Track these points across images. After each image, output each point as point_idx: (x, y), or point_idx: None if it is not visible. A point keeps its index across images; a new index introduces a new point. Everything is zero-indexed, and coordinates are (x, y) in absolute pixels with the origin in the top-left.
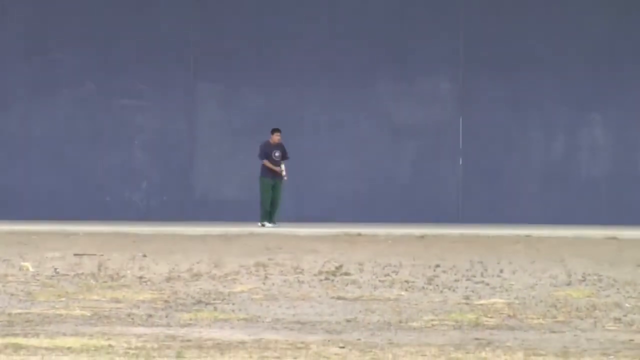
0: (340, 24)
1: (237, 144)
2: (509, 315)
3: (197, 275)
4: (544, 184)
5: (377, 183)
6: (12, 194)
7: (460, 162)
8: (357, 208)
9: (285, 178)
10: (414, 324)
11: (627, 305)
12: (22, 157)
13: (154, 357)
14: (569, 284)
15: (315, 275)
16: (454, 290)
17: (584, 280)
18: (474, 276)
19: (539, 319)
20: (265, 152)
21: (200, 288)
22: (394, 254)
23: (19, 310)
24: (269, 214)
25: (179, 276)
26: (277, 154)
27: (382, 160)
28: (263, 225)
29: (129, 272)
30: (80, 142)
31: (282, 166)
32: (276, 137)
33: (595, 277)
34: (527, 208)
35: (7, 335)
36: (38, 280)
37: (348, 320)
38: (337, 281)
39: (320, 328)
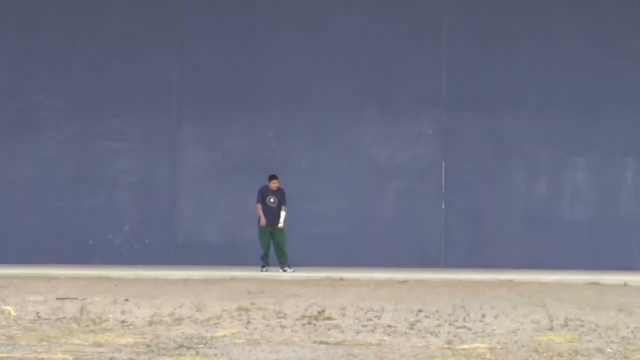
0: (323, 66)
1: (220, 186)
2: None
3: (179, 319)
4: (527, 228)
5: (360, 226)
6: None
7: (443, 206)
8: (339, 252)
9: (280, 225)
10: None
11: (609, 350)
12: (4, 199)
13: None
14: (551, 329)
15: (297, 319)
16: (436, 335)
17: (566, 325)
18: (457, 321)
19: None
20: (261, 196)
21: (183, 332)
22: (377, 298)
23: (1, 355)
24: (266, 258)
25: (161, 320)
26: (272, 199)
27: (365, 203)
28: (261, 270)
29: (111, 316)
30: (63, 185)
31: (282, 214)
32: (273, 185)
33: (578, 322)
34: (509, 251)
35: None
36: (20, 324)
37: None
38: (320, 326)
39: None
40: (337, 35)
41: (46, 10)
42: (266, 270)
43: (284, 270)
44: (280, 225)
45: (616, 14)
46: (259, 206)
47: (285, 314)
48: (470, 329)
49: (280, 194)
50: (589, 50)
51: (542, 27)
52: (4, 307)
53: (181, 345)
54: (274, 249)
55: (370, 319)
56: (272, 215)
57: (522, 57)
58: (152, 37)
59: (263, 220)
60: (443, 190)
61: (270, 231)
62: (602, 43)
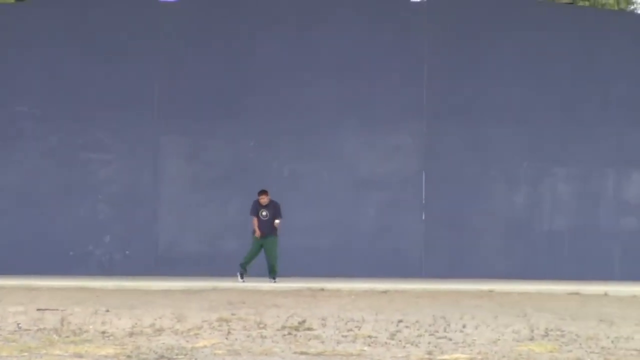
0: (304, 77)
1: (201, 197)
2: None
3: (159, 330)
4: (507, 238)
5: (341, 236)
6: None
7: (423, 216)
8: (320, 262)
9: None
10: None
11: None
12: None
13: None
14: (531, 339)
15: (278, 330)
16: (416, 346)
17: (546, 335)
18: (437, 331)
19: None
20: (254, 210)
21: (163, 343)
22: (357, 308)
23: None
24: (244, 268)
25: (141, 331)
26: (264, 213)
27: (346, 213)
28: (238, 281)
29: (91, 327)
30: (44, 196)
31: (275, 221)
32: (263, 200)
33: (558, 332)
34: (490, 262)
35: None
36: (0, 334)
37: None
38: (300, 336)
39: None
40: (318, 46)
41: (28, 20)
42: (243, 281)
43: (272, 281)
44: (277, 222)
45: (597, 25)
46: (254, 219)
47: (266, 325)
48: (450, 339)
49: (272, 207)
50: (570, 60)
51: (523, 38)
52: None
53: (162, 356)
54: (266, 260)
55: (351, 330)
56: (264, 228)
57: (503, 68)
58: (134, 48)
59: (257, 232)
60: (424, 201)
61: (262, 243)
62: (582, 54)
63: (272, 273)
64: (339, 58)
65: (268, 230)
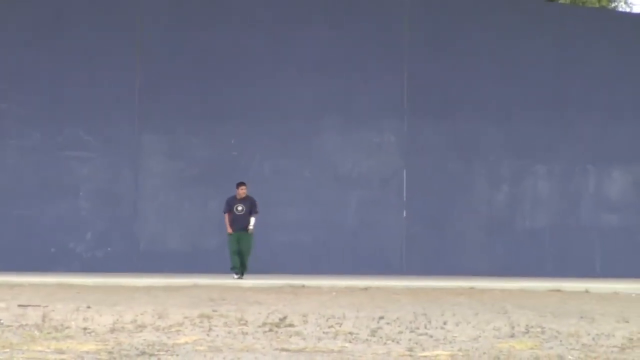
0: (285, 75)
1: (182, 195)
2: None
3: (141, 327)
4: (488, 235)
5: (322, 234)
6: None
7: (404, 215)
8: (301, 259)
9: (250, 227)
10: None
11: (570, 357)
12: None
13: None
14: (512, 336)
15: (259, 326)
16: (397, 342)
17: (527, 332)
18: (418, 328)
19: None
20: (228, 206)
21: (144, 339)
22: (338, 305)
23: None
24: (236, 268)
25: (123, 327)
26: (239, 207)
27: (327, 211)
28: (234, 278)
29: (73, 323)
30: (25, 193)
31: (251, 220)
32: (241, 191)
33: (539, 329)
34: (471, 259)
35: None
36: None
37: None
38: (281, 333)
39: None
40: (299, 44)
41: (8, 19)
42: (239, 278)
43: (239, 277)
44: (250, 227)
45: (578, 22)
46: (226, 216)
47: (247, 321)
48: (431, 336)
49: (249, 202)
50: (551, 58)
51: (503, 35)
52: None
53: (143, 352)
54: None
55: (332, 326)
56: (239, 222)
57: (484, 65)
58: (114, 47)
59: (229, 229)
60: (405, 198)
61: (238, 238)
62: (563, 51)
63: (242, 269)
64: (319, 55)
65: (243, 225)
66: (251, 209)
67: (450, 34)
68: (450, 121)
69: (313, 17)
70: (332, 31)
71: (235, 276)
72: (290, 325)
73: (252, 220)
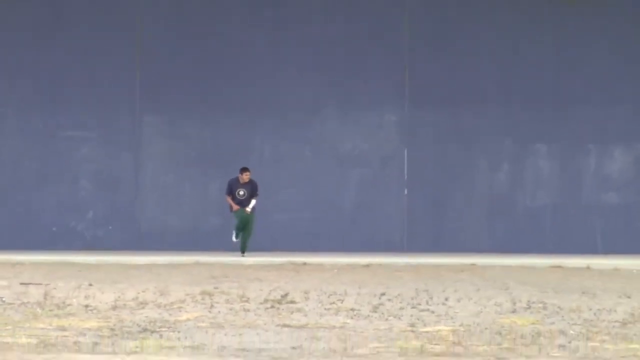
0: (286, 57)
1: (182, 174)
2: (454, 343)
3: (142, 304)
4: (489, 214)
5: (323, 213)
6: None
7: (406, 192)
8: (302, 238)
9: (247, 209)
10: (360, 352)
11: (571, 332)
12: None
13: None
14: (513, 312)
15: (261, 303)
16: (399, 318)
17: (528, 308)
18: (419, 304)
19: (484, 346)
20: (230, 189)
21: (146, 316)
22: (340, 282)
23: None
24: (239, 231)
25: (124, 304)
26: (241, 192)
27: (328, 191)
28: (234, 240)
29: (75, 300)
30: (27, 173)
31: (252, 202)
32: (245, 177)
33: (540, 305)
34: (472, 238)
35: None
36: None
37: (293, 348)
38: (283, 309)
39: (266, 356)
40: (300, 27)
41: (8, 3)
42: (241, 256)
43: (241, 255)
44: (248, 209)
45: (575, 4)
46: (228, 198)
47: (249, 298)
48: (433, 312)
49: (251, 186)
50: (551, 38)
51: (503, 18)
52: None
53: (145, 329)
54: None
55: (334, 303)
56: (241, 206)
57: (484, 46)
58: (114, 29)
59: (235, 207)
60: (406, 177)
61: (242, 215)
62: (563, 31)
63: (243, 247)
64: (320, 37)
65: (245, 207)
66: (252, 194)
67: (451, 18)
68: (451, 101)
69: (314, 1)
70: (333, 16)
71: (235, 239)
72: (292, 301)
73: (253, 202)
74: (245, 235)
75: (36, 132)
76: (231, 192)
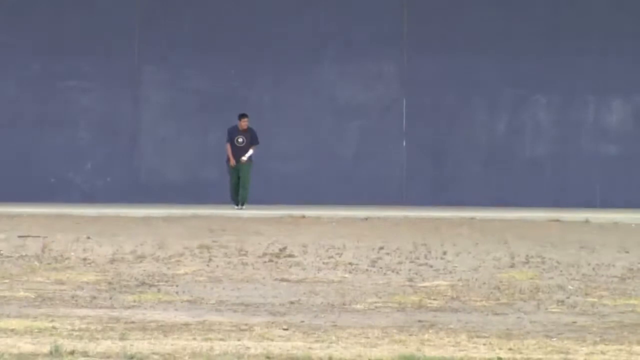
0: (284, 6)
1: (181, 125)
2: (453, 298)
3: (140, 257)
4: (488, 166)
5: (321, 164)
6: None
7: (404, 144)
8: (300, 189)
9: (244, 159)
10: (358, 306)
11: (570, 287)
12: None
13: (97, 338)
14: (512, 266)
15: (259, 257)
16: (397, 273)
17: (527, 263)
18: (418, 258)
19: (482, 301)
20: (229, 136)
21: (144, 270)
22: (338, 236)
23: None
24: (235, 197)
25: (122, 258)
26: (240, 139)
27: (326, 141)
28: (235, 208)
29: (72, 254)
30: (25, 124)
31: (249, 152)
32: (243, 123)
33: (539, 259)
34: (470, 189)
35: None
36: None
37: (292, 302)
38: (281, 263)
39: (264, 310)
40: None
41: None
42: (240, 209)
43: (239, 208)
44: (244, 158)
45: None
46: (228, 146)
47: (247, 252)
48: (431, 267)
49: (250, 133)
50: None
51: None
52: None
53: (143, 283)
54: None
55: (332, 257)
56: (239, 154)
57: None
58: None
59: (232, 161)
60: (404, 128)
61: (238, 168)
62: None
63: (242, 199)
64: None
65: (242, 156)
66: (251, 141)
67: None
68: (450, 51)
69: None
70: None
71: (236, 207)
72: (290, 255)
73: (250, 151)
74: (243, 190)
75: (34, 82)
76: (231, 140)
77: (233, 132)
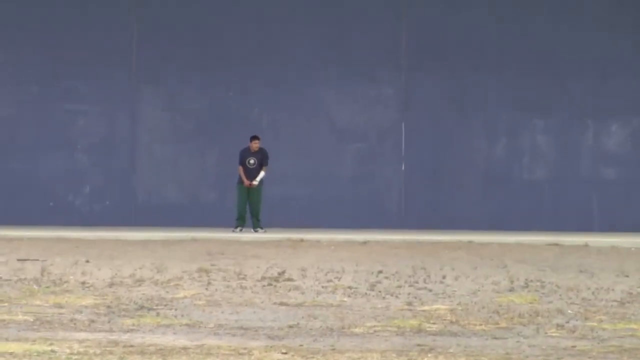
0: (282, 26)
1: (179, 147)
2: (452, 321)
3: (139, 281)
4: (487, 189)
5: (320, 187)
6: None
7: (403, 167)
8: (299, 212)
9: (255, 183)
10: (357, 330)
11: (569, 311)
12: None
13: None
14: (511, 290)
15: (258, 280)
16: (396, 296)
17: (526, 286)
18: (417, 282)
19: (481, 325)
20: (241, 158)
21: (143, 293)
22: (337, 259)
23: None
24: (241, 220)
25: (121, 281)
26: (251, 161)
27: (325, 164)
28: (234, 231)
29: (71, 277)
30: (23, 146)
31: (260, 174)
32: (254, 145)
33: (538, 283)
34: (469, 212)
35: None
36: None
37: (290, 326)
38: (280, 287)
39: (263, 334)
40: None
41: None
42: (240, 231)
43: (256, 231)
44: (255, 183)
45: None
46: (240, 168)
47: (246, 275)
48: (430, 290)
49: (261, 155)
50: (549, 11)
51: None
52: None
53: (142, 307)
54: (249, 209)
55: (331, 280)
56: (251, 176)
57: (482, 18)
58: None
59: (246, 182)
60: (403, 152)
61: (248, 191)
62: (562, 4)
63: (256, 222)
64: (317, 6)
65: (254, 178)
66: (262, 162)
67: None
68: (449, 74)
69: None
70: None
71: (236, 229)
72: (289, 279)
73: (262, 174)
74: (253, 210)
75: (32, 104)
76: (242, 161)
77: (245, 154)
